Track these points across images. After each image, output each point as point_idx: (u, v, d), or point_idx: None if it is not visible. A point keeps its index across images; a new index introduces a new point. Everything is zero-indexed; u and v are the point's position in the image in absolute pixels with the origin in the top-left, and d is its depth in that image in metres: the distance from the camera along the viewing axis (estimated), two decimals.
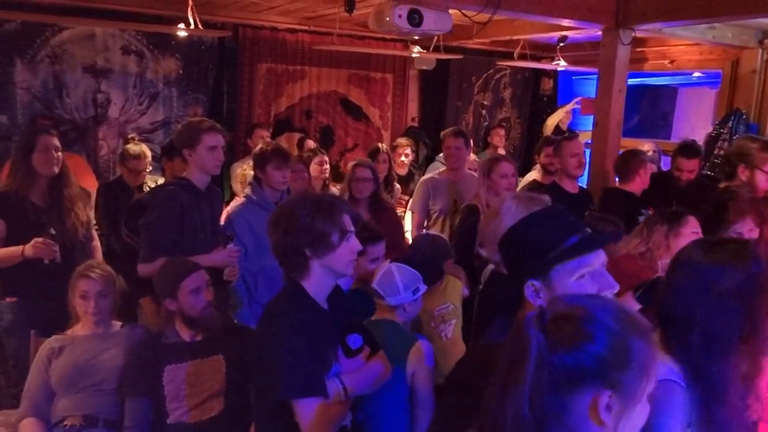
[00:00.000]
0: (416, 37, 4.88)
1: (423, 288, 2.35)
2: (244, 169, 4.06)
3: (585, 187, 4.21)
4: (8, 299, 3.01)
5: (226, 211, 3.60)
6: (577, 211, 2.88)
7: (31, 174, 2.97)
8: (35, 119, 4.57)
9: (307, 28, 5.82)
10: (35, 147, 2.97)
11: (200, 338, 2.38)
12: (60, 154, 3.04)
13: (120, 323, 2.64)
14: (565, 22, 4.17)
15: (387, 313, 2.33)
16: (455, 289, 2.74)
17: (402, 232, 3.81)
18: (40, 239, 2.80)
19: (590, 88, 6.27)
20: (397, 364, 2.05)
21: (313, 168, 4.27)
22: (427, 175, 4.34)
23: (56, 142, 3.03)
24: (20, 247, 2.85)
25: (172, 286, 2.39)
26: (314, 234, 1.74)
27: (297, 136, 5.86)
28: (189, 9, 4.21)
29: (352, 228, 1.83)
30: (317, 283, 1.80)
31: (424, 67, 6.29)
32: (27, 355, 2.73)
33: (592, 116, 4.54)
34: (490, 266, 2.33)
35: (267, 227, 1.82)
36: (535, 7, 3.87)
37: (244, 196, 3.34)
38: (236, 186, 4.40)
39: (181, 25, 4.37)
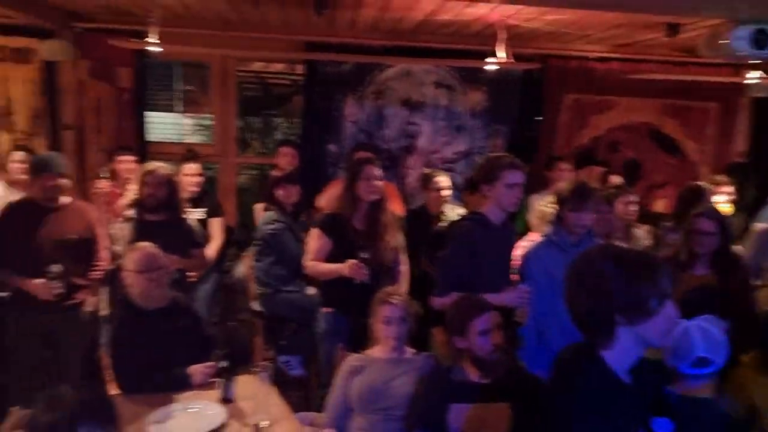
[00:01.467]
0: (756, 62, 4.20)
1: None
2: (543, 205, 3.94)
3: None
4: (325, 309, 3.40)
5: (522, 246, 3.53)
6: None
7: (354, 199, 3.30)
8: (357, 148, 5.12)
9: (619, 56, 5.48)
10: (360, 175, 3.30)
11: (487, 381, 2.33)
12: (381, 183, 3.32)
13: (413, 350, 2.74)
14: None
15: (700, 388, 1.97)
16: None
17: (753, 301, 3.12)
18: (355, 261, 3.09)
19: None
20: None
21: (618, 207, 3.94)
22: (762, 225, 3.66)
23: (378, 171, 3.32)
24: (340, 265, 3.18)
25: (462, 325, 2.38)
26: (630, 298, 1.48)
27: (599, 170, 5.51)
28: (501, 43, 4.28)
29: (670, 291, 1.56)
30: (622, 353, 1.54)
31: (761, 95, 5.39)
32: (334, 363, 3.03)
33: None
34: None
35: (565, 280, 1.64)
36: None
37: (542, 235, 3.22)
38: (533, 220, 4.30)
39: (492, 59, 4.46)
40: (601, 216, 3.50)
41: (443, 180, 4.27)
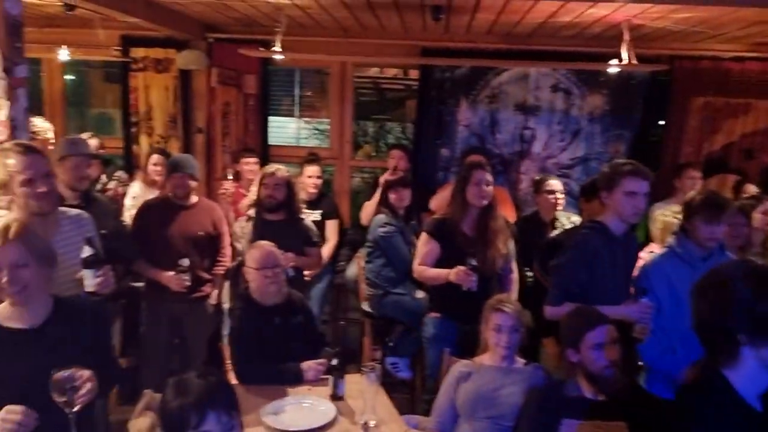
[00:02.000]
0: None
1: None
2: (667, 215, 3.71)
3: None
4: (433, 314, 3.40)
5: (641, 257, 3.35)
6: None
7: (464, 204, 3.29)
8: (469, 152, 5.09)
9: (758, 55, 5.05)
10: (470, 180, 3.28)
11: (603, 398, 2.23)
12: (491, 188, 3.28)
13: (523, 360, 2.68)
14: None
15: None
16: None
17: None
18: (462, 268, 3.07)
19: None
20: None
21: (756, 218, 3.62)
22: None
23: (488, 177, 3.29)
24: (447, 271, 3.17)
25: (575, 337, 2.30)
26: (754, 318, 1.37)
27: (733, 178, 5.11)
28: (625, 45, 4.09)
29: None
30: (748, 375, 1.43)
31: None
32: (441, 368, 3.03)
33: None
34: None
35: (691, 291, 1.54)
36: None
37: (666, 246, 3.04)
38: (654, 231, 4.06)
39: (614, 61, 4.28)
40: (734, 228, 3.25)
41: (557, 185, 4.14)
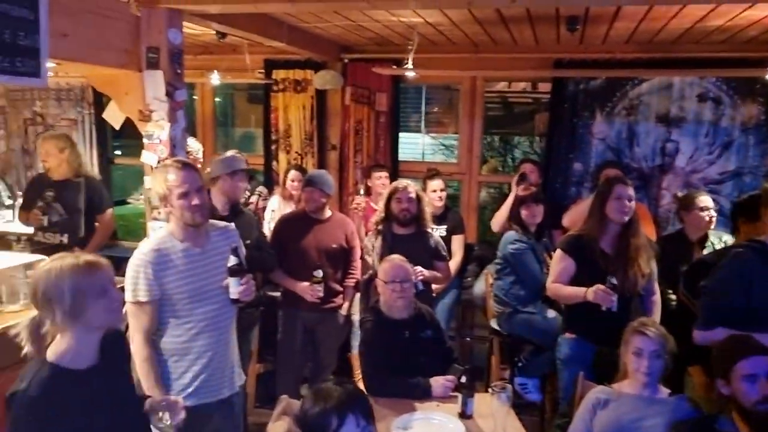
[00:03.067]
0: None
1: None
2: None
3: None
4: (568, 334, 3.26)
5: None
6: None
7: (603, 220, 3.14)
8: (605, 166, 4.85)
9: None
10: (610, 195, 3.13)
11: None
12: (633, 203, 3.12)
13: (667, 390, 2.49)
14: None
15: None
16: None
17: None
18: (601, 286, 2.92)
19: None
20: None
21: None
22: None
23: (630, 192, 3.12)
24: (584, 289, 3.03)
25: (726, 366, 2.11)
26: None
27: None
28: None
29: None
30: None
31: None
32: (574, 392, 2.89)
33: None
34: None
35: None
36: None
37: None
38: None
39: None
40: None
41: (709, 201, 3.80)
